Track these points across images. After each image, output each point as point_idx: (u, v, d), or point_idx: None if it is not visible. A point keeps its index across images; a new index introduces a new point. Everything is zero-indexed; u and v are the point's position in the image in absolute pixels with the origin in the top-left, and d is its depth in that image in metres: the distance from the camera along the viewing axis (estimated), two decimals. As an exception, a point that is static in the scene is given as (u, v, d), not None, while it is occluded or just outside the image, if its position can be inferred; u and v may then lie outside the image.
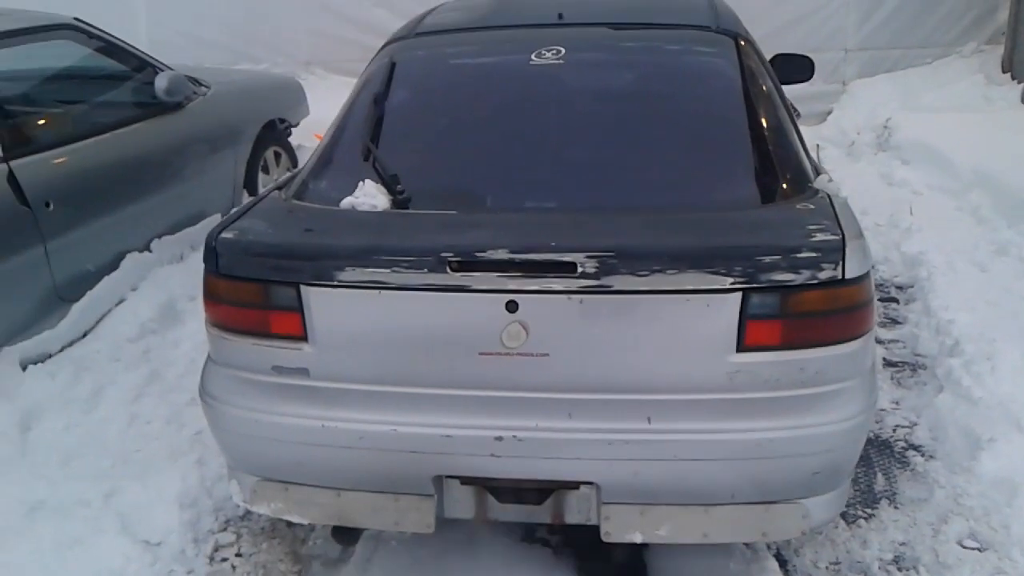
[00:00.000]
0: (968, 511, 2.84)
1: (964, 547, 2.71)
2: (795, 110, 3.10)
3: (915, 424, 3.37)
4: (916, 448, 3.22)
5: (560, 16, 3.21)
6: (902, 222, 5.06)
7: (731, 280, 2.12)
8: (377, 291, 2.22)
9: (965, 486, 2.94)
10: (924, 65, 7.49)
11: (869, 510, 2.90)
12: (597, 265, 2.13)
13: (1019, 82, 6.60)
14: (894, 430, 3.34)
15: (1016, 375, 3.36)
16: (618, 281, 2.14)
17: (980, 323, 3.76)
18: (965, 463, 3.03)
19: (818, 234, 2.18)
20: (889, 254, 4.79)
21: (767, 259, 2.13)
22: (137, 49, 4.76)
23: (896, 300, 4.35)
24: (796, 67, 4.17)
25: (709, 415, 2.23)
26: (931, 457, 3.15)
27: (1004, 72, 6.94)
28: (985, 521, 2.78)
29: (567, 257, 2.14)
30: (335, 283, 2.23)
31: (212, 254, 2.35)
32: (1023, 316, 3.87)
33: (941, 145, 5.85)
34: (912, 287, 4.41)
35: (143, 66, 4.70)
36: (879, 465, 3.13)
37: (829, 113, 7.28)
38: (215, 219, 4.91)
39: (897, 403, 3.50)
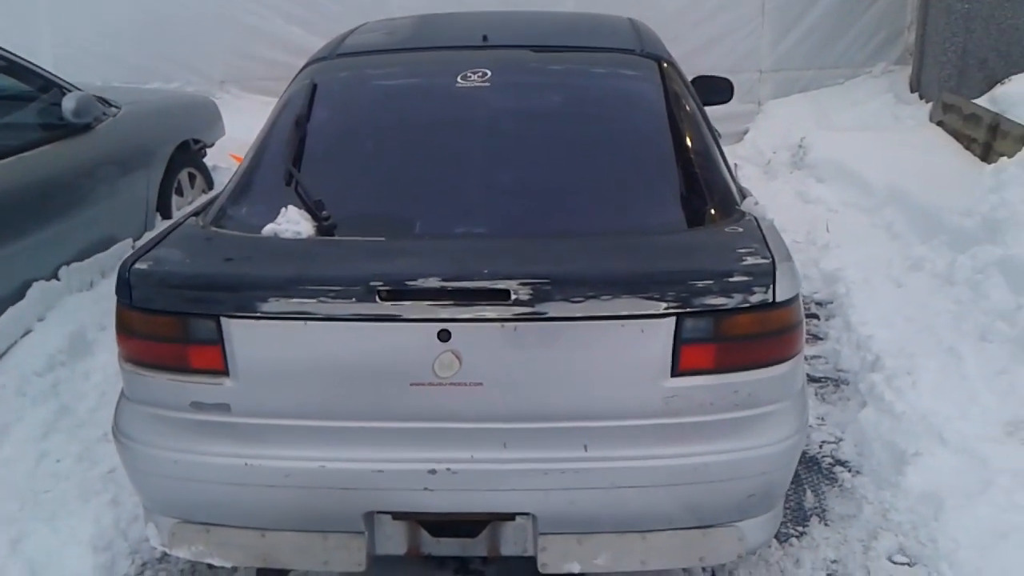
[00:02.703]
0: (896, 526, 2.88)
1: (894, 563, 2.74)
2: (717, 132, 3.13)
3: (840, 440, 3.41)
4: (843, 464, 3.26)
5: (485, 38, 3.18)
6: (819, 239, 5.16)
7: (665, 305, 2.11)
8: (303, 322, 2.14)
9: (893, 501, 2.98)
10: (836, 85, 7.72)
11: (800, 528, 2.92)
12: (531, 292, 2.09)
13: (927, 101, 6.83)
14: (820, 446, 3.38)
15: (936, 389, 3.44)
16: (552, 308, 2.10)
17: (899, 338, 3.84)
18: (892, 478, 3.07)
19: (748, 258, 2.19)
20: (808, 271, 4.87)
21: (699, 283, 2.12)
22: (42, 69, 4.57)
23: (817, 316, 4.43)
24: (716, 89, 4.24)
25: (645, 441, 2.21)
26: (858, 472, 3.20)
27: (912, 91, 7.19)
28: (914, 536, 2.82)
29: (500, 284, 2.09)
30: (258, 314, 2.14)
31: (125, 286, 2.24)
32: (939, 331, 3.95)
33: (854, 163, 5.99)
34: (831, 303, 4.50)
35: (49, 86, 4.51)
36: (808, 482, 3.16)
37: (745, 132, 7.44)
38: (127, 244, 4.74)
39: (822, 419, 3.55)
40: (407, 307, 2.11)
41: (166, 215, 5.24)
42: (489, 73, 2.88)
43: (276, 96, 3.15)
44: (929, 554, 2.75)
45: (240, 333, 2.16)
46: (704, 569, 2.71)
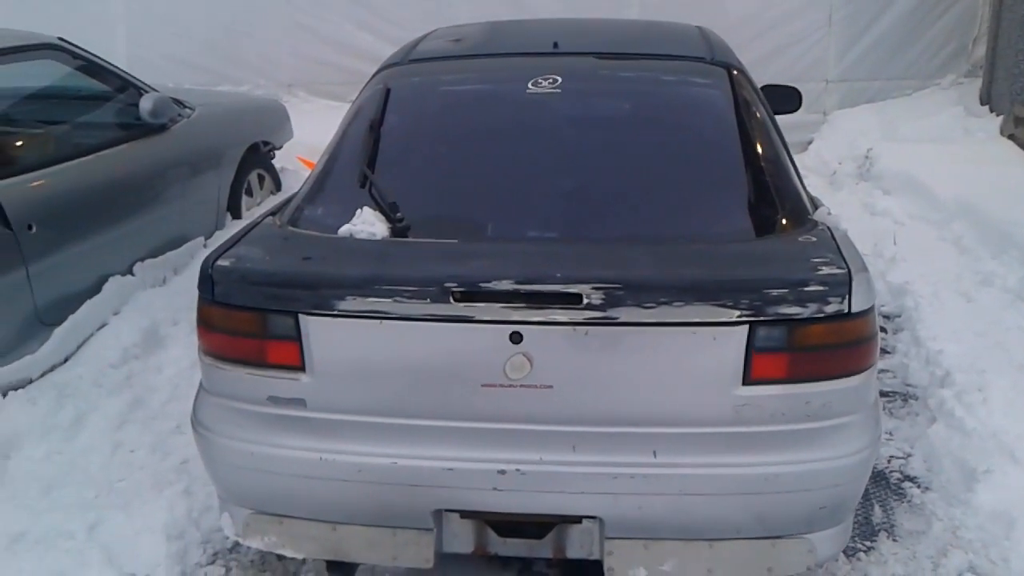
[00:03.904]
0: (967, 544, 2.83)
1: (964, 581, 2.70)
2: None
3: (910, 455, 3.36)
4: (912, 479, 3.21)
5: (555, 45, 3.20)
6: (886, 251, 5.08)
7: (738, 313, 2.11)
8: (378, 321, 2.18)
9: (963, 518, 2.93)
10: (904, 96, 7.60)
11: (868, 543, 2.88)
12: (603, 297, 2.10)
13: (997, 114, 6.70)
14: (889, 461, 3.33)
15: (1008, 407, 3.37)
16: (624, 313, 2.11)
17: (969, 354, 3.78)
18: (962, 495, 3.02)
19: (824, 267, 2.18)
20: (875, 284, 4.79)
21: (774, 292, 2.12)
22: (120, 69, 4.70)
23: (884, 329, 4.36)
24: (783, 98, 4.20)
25: (715, 449, 2.21)
26: (927, 488, 3.15)
27: (982, 104, 7.06)
28: (984, 554, 2.77)
29: (573, 288, 2.11)
30: (335, 312, 2.19)
31: (208, 281, 2.29)
32: (1010, 347, 3.88)
33: (922, 175, 5.90)
34: (900, 316, 4.43)
35: (126, 86, 4.64)
36: (876, 496, 3.11)
37: (810, 143, 7.35)
38: (198, 242, 4.85)
39: (891, 433, 3.50)
40: (480, 309, 2.14)
41: (236, 215, 5.35)
42: (560, 79, 2.90)
43: (343, 100, 3.23)
44: (1000, 574, 2.70)
45: (317, 330, 2.21)
46: (769, 581, 2.68)
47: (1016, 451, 3.10)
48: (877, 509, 3.05)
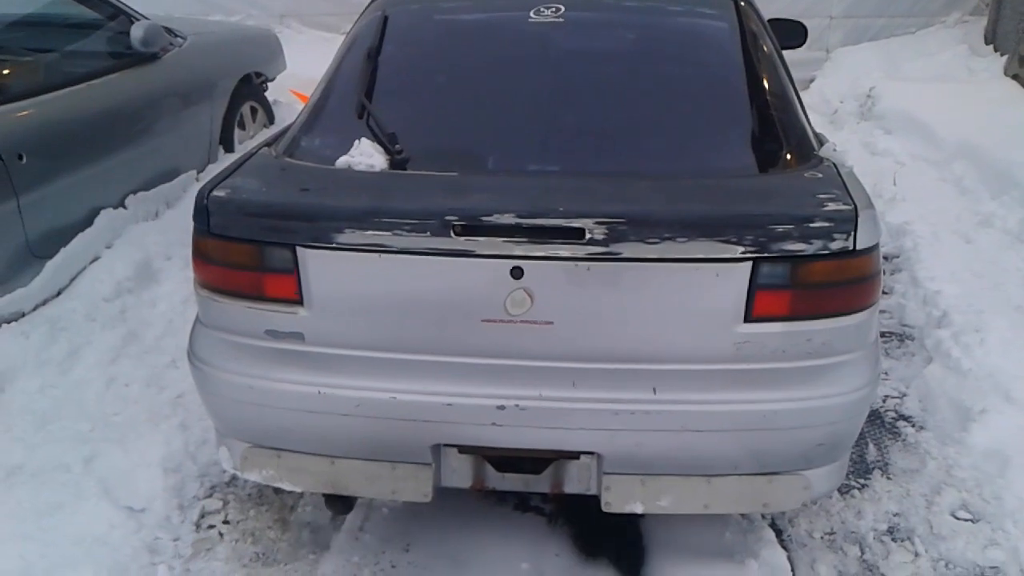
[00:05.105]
0: (960, 482, 2.85)
1: (957, 518, 2.72)
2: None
3: (905, 395, 3.37)
4: (907, 419, 3.23)
5: (558, -28, 3.11)
6: (886, 192, 5.04)
7: (742, 249, 2.08)
8: (377, 254, 2.14)
9: (957, 457, 2.95)
10: (908, 34, 7.48)
11: (862, 480, 2.90)
12: (606, 232, 2.07)
13: (1002, 54, 6.60)
14: (884, 400, 3.34)
15: (1004, 347, 3.37)
16: (627, 248, 2.08)
17: (967, 294, 3.77)
18: (956, 434, 3.04)
19: (830, 204, 2.14)
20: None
21: (779, 228, 2.08)
22: (109, -4, 4.58)
23: (883, 270, 4.34)
24: (789, 32, 4.09)
25: (715, 386, 2.20)
26: (922, 428, 3.16)
27: (987, 44, 6.95)
28: (977, 493, 2.79)
29: (576, 223, 2.08)
30: (333, 245, 2.15)
31: (203, 213, 2.25)
32: (1008, 288, 3.88)
33: (924, 115, 5.84)
34: (898, 257, 4.41)
35: (117, 14, 4.52)
36: (870, 435, 3.13)
37: (812, 81, 7.24)
38: (191, 176, 4.79)
39: (886, 373, 3.50)
40: (481, 243, 2.11)
41: (228, 149, 5.27)
42: (563, 8, 2.83)
43: (337, 32, 3.16)
44: (993, 511, 2.72)
45: (315, 263, 2.17)
46: (763, 516, 2.71)
47: (1012, 391, 3.11)
48: (872, 447, 3.07)
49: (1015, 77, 6.13)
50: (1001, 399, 3.10)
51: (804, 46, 4.42)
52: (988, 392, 3.14)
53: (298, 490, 2.48)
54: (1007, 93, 6.09)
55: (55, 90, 3.95)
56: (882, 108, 6.26)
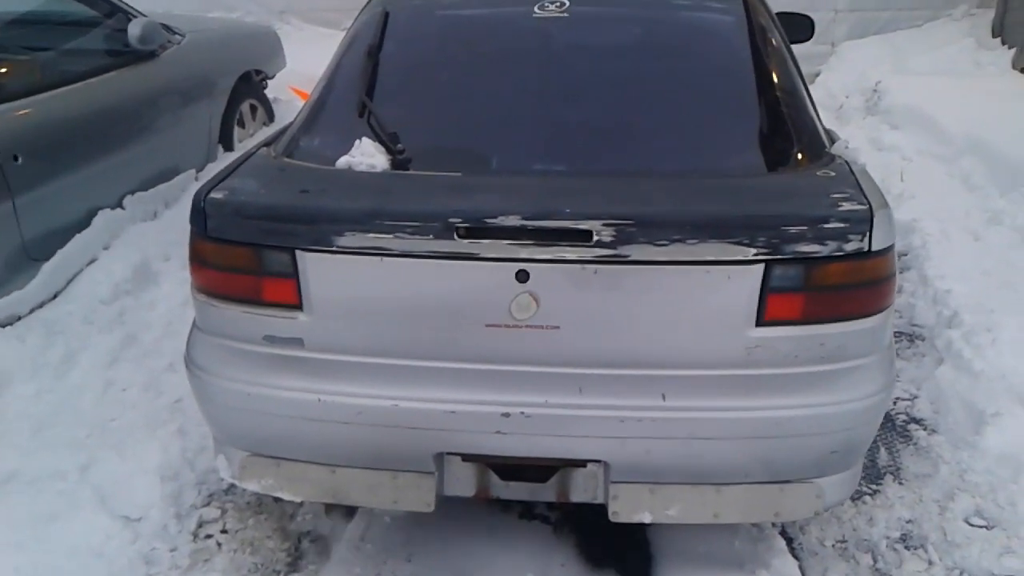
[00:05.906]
0: (974, 488, 2.79)
1: (971, 525, 2.66)
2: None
3: (916, 397, 3.31)
4: (918, 422, 3.17)
5: (562, -34, 3.05)
6: (893, 188, 4.97)
7: (754, 251, 2.02)
8: (378, 258, 2.09)
9: (970, 462, 2.89)
10: (914, 28, 7.43)
11: (874, 486, 2.84)
12: (614, 234, 2.01)
13: (1009, 47, 6.53)
14: (895, 403, 3.28)
15: (1017, 348, 3.31)
16: (635, 251, 2.02)
17: (977, 293, 3.71)
18: (969, 438, 2.98)
19: (844, 203, 2.09)
20: (893, 221, 4.71)
21: (792, 229, 2.03)
22: (107, -7, 4.52)
23: (891, 268, 4.28)
24: (796, 26, 4.04)
25: (726, 392, 2.14)
26: (934, 431, 3.10)
27: (994, 37, 6.88)
28: (992, 498, 2.73)
29: (583, 225, 2.02)
30: (334, 248, 2.09)
31: (200, 215, 2.19)
32: (1019, 287, 3.81)
33: (931, 110, 5.76)
34: (906, 255, 4.34)
35: (114, 11, 4.47)
36: (882, 439, 3.07)
37: (817, 75, 7.18)
38: (189, 175, 4.73)
39: (897, 375, 3.42)
40: (485, 246, 2.05)
41: (228, 147, 5.21)
42: (567, 3, 2.77)
43: (337, 28, 3.10)
44: (1008, 518, 2.66)
45: (315, 267, 2.12)
46: (774, 524, 2.65)
47: (1025, 394, 3.05)
48: (883, 452, 3.01)
49: (1023, 71, 6.07)
50: (1014, 401, 3.04)
51: (810, 40, 4.36)
52: (1001, 394, 3.07)
53: (298, 499, 2.43)
54: (1015, 87, 6.03)
55: (51, 89, 3.89)
56: (888, 103, 6.18)
